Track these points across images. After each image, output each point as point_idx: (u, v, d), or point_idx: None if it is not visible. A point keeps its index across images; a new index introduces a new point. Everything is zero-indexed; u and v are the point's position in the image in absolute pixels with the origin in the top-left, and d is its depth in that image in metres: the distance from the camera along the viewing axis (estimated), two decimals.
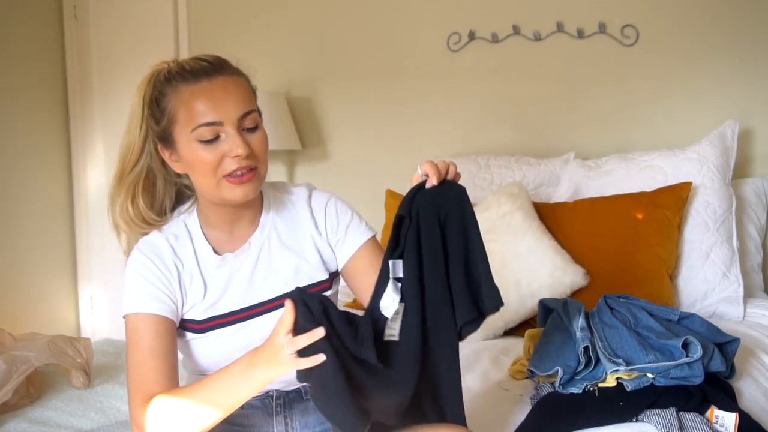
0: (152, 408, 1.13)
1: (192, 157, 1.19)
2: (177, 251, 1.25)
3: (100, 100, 3.74)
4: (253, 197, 1.22)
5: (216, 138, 1.17)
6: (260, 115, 1.25)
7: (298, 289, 1.08)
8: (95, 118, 3.77)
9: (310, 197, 1.34)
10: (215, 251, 1.27)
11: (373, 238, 1.34)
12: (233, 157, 1.17)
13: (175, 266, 1.24)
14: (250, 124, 1.19)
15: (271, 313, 1.25)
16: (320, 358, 1.02)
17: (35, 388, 1.55)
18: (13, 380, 1.45)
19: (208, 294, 1.24)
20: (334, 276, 1.34)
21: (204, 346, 1.25)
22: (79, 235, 3.86)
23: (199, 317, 1.24)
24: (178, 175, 1.30)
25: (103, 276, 3.74)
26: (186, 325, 1.25)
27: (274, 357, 1.05)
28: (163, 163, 1.27)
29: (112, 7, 3.66)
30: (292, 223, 1.31)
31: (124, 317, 1.21)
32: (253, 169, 1.20)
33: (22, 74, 3.58)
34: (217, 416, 1.11)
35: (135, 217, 1.25)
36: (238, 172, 1.18)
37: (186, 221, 1.29)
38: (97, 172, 3.79)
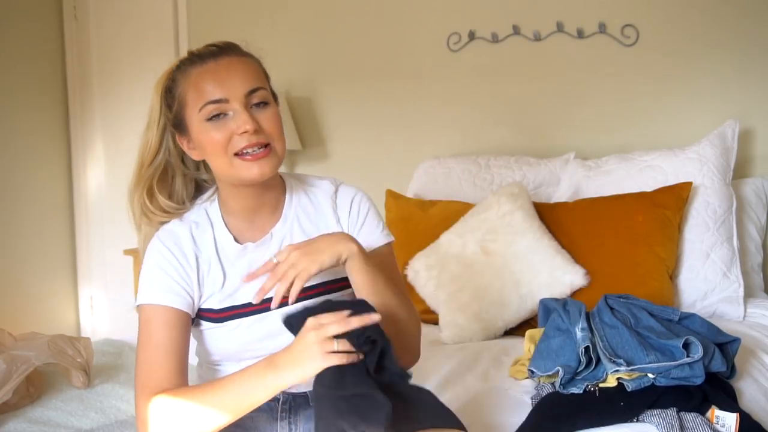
0: (158, 405, 1.13)
1: (203, 138, 1.19)
2: (197, 239, 1.25)
3: (100, 100, 3.74)
4: (271, 175, 1.21)
5: (224, 116, 1.18)
6: (275, 97, 1.25)
7: (328, 301, 1.10)
8: (95, 118, 3.77)
9: (336, 192, 1.33)
10: (236, 240, 1.27)
11: (387, 245, 1.33)
12: (241, 134, 1.17)
13: (194, 255, 1.23)
14: (258, 100, 1.19)
15: (287, 307, 1.23)
16: (353, 356, 1.02)
17: (35, 387, 1.55)
18: (13, 380, 1.45)
19: (227, 283, 1.24)
20: None
21: (221, 336, 1.24)
22: (79, 235, 3.85)
23: (217, 306, 1.23)
24: (197, 169, 1.31)
25: (103, 276, 3.74)
26: (203, 315, 1.24)
27: (303, 352, 1.04)
28: (183, 159, 1.29)
29: (112, 7, 3.66)
30: (315, 217, 1.31)
31: (137, 306, 1.21)
32: (266, 146, 1.19)
33: (22, 74, 3.58)
34: (224, 420, 1.10)
35: (154, 208, 1.26)
36: (250, 150, 1.18)
37: (207, 209, 1.28)
38: (97, 172, 3.79)
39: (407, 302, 1.29)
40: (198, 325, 1.26)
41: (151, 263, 1.22)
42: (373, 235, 1.32)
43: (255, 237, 1.28)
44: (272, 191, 1.28)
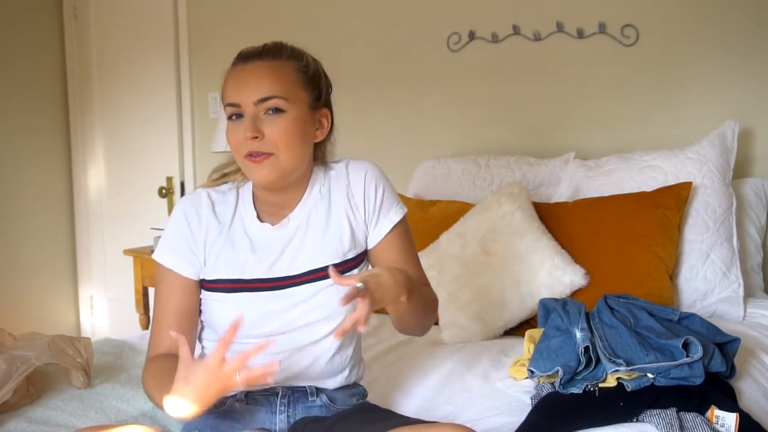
0: (146, 368, 1.27)
1: (226, 134, 1.27)
2: (217, 207, 1.32)
3: (100, 100, 3.75)
4: (272, 180, 1.25)
5: (240, 118, 1.24)
6: (317, 102, 1.30)
7: None
8: (95, 118, 3.77)
9: (347, 170, 1.36)
10: (259, 218, 1.32)
11: (403, 220, 1.38)
12: (246, 138, 1.22)
13: (207, 221, 1.30)
14: (271, 107, 1.23)
15: (293, 288, 1.28)
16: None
17: (35, 387, 1.55)
18: (13, 380, 1.45)
19: (237, 255, 1.29)
20: (364, 254, 1.37)
21: (224, 307, 1.28)
22: (79, 235, 3.86)
23: (224, 276, 1.28)
24: None
25: (103, 276, 3.74)
26: (209, 285, 1.29)
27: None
28: None
29: (112, 7, 3.66)
30: (328, 202, 1.34)
31: (155, 258, 1.31)
32: (269, 154, 1.23)
33: (22, 74, 3.58)
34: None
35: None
36: (254, 154, 1.23)
37: (240, 186, 1.35)
38: (97, 172, 3.79)
39: (429, 289, 1.41)
40: (204, 293, 1.31)
41: (175, 224, 1.31)
42: (390, 215, 1.36)
43: (274, 220, 1.33)
44: (291, 191, 1.32)
